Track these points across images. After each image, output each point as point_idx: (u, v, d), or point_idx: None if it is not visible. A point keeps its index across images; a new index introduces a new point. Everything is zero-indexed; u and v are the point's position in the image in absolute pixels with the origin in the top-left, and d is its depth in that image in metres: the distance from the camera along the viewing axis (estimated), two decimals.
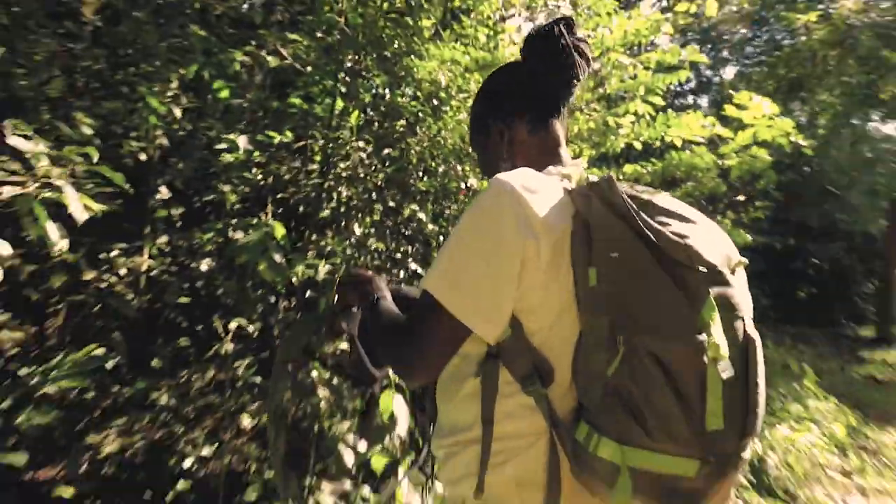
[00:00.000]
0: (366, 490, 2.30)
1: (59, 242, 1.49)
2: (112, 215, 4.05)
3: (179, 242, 3.84)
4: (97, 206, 1.58)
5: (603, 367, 0.99)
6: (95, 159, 1.59)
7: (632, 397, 0.96)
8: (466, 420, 1.13)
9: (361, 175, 3.23)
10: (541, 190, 1.09)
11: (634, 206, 1.01)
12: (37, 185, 1.43)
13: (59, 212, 1.65)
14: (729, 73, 17.11)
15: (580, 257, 1.04)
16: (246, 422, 3.12)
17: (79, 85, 4.05)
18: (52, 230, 1.47)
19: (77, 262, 3.63)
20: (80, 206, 1.44)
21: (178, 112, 3.79)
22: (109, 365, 2.69)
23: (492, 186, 1.09)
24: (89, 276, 3.78)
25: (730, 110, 3.81)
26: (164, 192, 3.77)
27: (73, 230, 3.95)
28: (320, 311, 1.58)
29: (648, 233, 0.98)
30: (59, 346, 3.41)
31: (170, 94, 3.84)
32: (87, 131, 3.62)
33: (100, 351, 2.62)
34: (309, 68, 3.61)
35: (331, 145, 3.10)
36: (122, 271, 3.76)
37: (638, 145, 5.07)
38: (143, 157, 3.98)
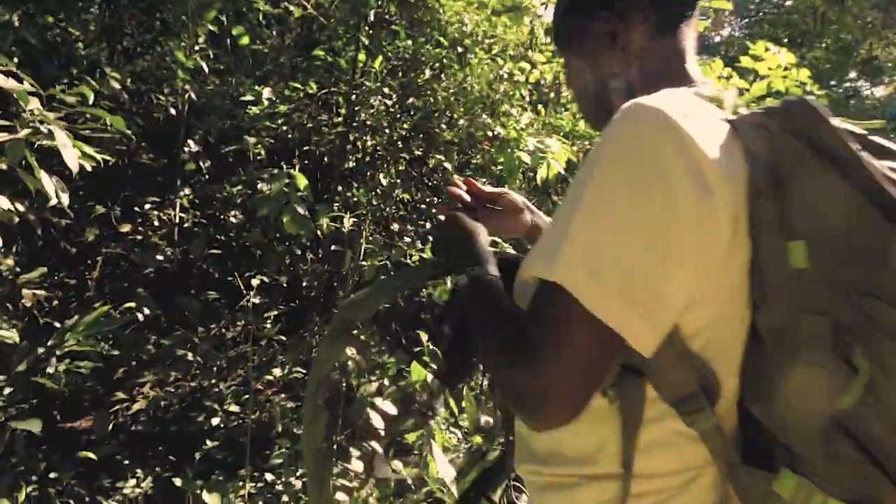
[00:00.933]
0: (395, 463, 2.29)
1: (55, 195, 1.45)
2: (145, 168, 4.13)
3: (208, 195, 3.88)
4: (98, 156, 1.53)
5: (827, 395, 0.67)
6: (91, 99, 1.55)
7: (879, 442, 0.64)
8: (588, 447, 0.81)
9: (386, 124, 3.18)
10: (703, 123, 0.73)
11: (856, 144, 0.66)
12: (27, 130, 1.38)
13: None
14: (726, 32, 16.59)
15: (769, 224, 0.70)
16: (277, 372, 3.18)
17: (118, 48, 4.08)
18: (47, 181, 1.44)
19: (111, 215, 3.72)
20: (73, 154, 1.38)
21: (205, 66, 3.79)
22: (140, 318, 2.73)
23: (638, 117, 0.72)
24: (125, 228, 3.87)
25: (745, 61, 3.62)
26: (192, 146, 3.80)
27: (107, 182, 4.05)
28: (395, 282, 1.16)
29: (889, 188, 0.63)
30: (98, 298, 3.51)
31: (197, 48, 3.84)
32: (115, 85, 3.65)
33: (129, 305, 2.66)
34: (332, 20, 3.55)
35: (355, 93, 3.05)
36: (156, 223, 3.84)
37: None
38: (172, 111, 4.02)
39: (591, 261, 0.67)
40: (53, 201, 1.48)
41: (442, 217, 1.10)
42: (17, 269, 3.13)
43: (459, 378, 1.10)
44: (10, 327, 2.59)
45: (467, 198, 1.18)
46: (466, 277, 0.89)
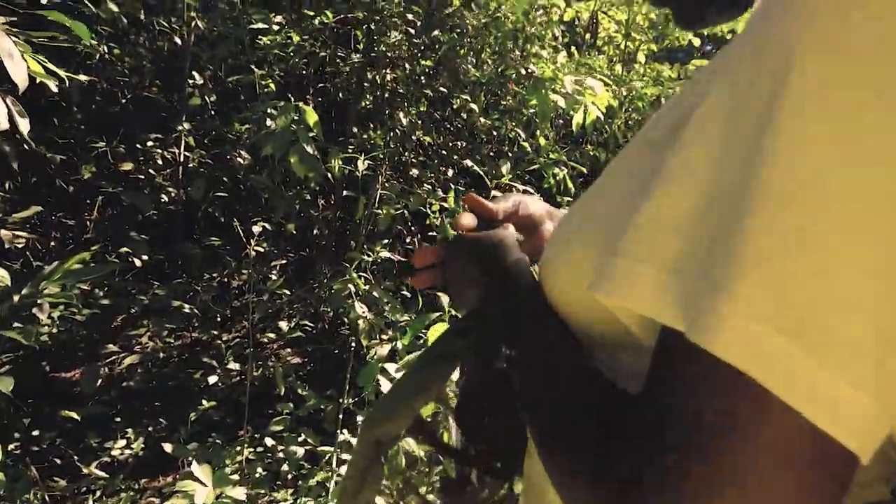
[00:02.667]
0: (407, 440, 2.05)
1: (3, 120, 1.18)
2: (148, 102, 3.86)
3: (215, 132, 3.61)
4: (62, 73, 1.25)
5: None
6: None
7: None
8: None
9: (407, 58, 2.86)
10: None
11: None
12: None
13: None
14: None
15: None
16: (283, 326, 2.96)
17: None
18: None
19: (110, 151, 3.47)
20: (21, 67, 1.12)
21: None
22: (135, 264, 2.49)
23: None
24: (127, 167, 3.62)
25: None
26: (197, 78, 3.51)
27: (108, 116, 3.80)
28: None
29: None
30: (98, 239, 3.30)
31: None
32: (113, 8, 3.35)
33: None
34: None
35: (374, 20, 2.73)
36: (159, 162, 3.58)
37: (697, 41, 4.50)
38: (177, 40, 3.72)
39: (799, 311, 0.30)
40: (4, 125, 1.21)
41: (447, 251, 0.73)
42: (7, 207, 2.91)
43: (510, 473, 0.68)
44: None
45: (472, 222, 0.80)
46: (513, 339, 0.55)
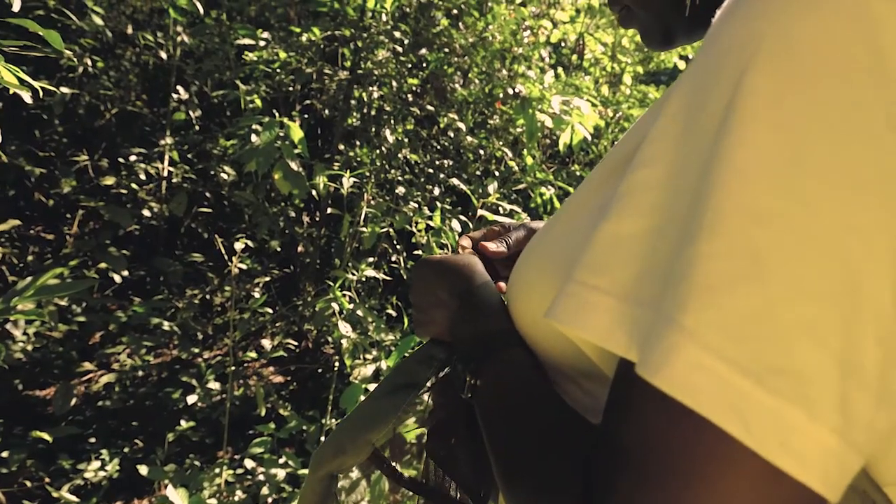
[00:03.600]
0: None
1: None
2: (132, 116, 3.82)
3: (199, 147, 3.58)
4: (35, 83, 1.21)
5: None
6: (17, 6, 1.22)
7: None
8: None
9: (394, 75, 2.85)
10: None
11: None
12: None
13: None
14: None
15: None
16: (266, 344, 2.92)
17: None
18: None
19: (90, 166, 3.42)
20: None
21: (200, 7, 3.46)
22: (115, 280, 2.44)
23: None
24: (109, 181, 3.57)
25: None
26: (182, 93, 3.48)
27: (91, 129, 3.75)
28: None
29: None
30: (77, 254, 3.24)
31: None
32: (98, 21, 3.32)
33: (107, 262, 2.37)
34: None
35: (363, 35, 2.72)
36: (142, 177, 3.53)
37: (682, 64, 4.56)
38: (163, 54, 3.70)
39: (752, 343, 0.28)
40: None
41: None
42: None
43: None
44: None
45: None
46: (479, 361, 0.51)
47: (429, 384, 0.63)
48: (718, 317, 0.28)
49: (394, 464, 0.63)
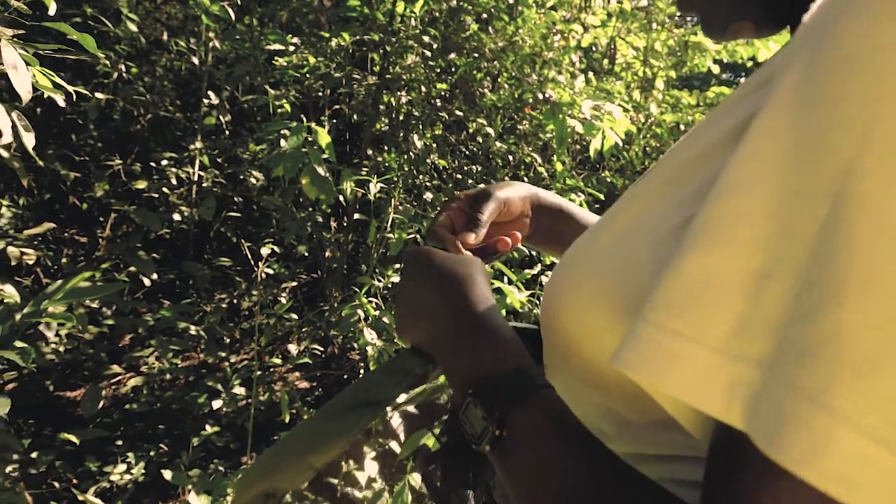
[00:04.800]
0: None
1: (7, 134, 1.14)
2: (163, 120, 3.87)
3: (229, 152, 3.60)
4: (70, 87, 1.21)
5: None
6: (52, 10, 1.22)
7: None
8: None
9: (423, 78, 2.83)
10: None
11: None
12: None
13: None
14: None
15: None
16: (292, 349, 2.91)
17: None
18: (0, 113, 1.13)
19: (123, 169, 3.47)
20: (25, 79, 1.08)
21: (231, 13, 3.49)
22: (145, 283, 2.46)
23: None
24: (140, 185, 3.62)
25: None
26: (213, 98, 3.51)
27: (125, 134, 3.80)
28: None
29: None
30: (108, 257, 3.28)
31: None
32: (132, 28, 3.37)
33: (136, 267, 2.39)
34: None
35: (392, 40, 2.71)
36: (173, 181, 3.57)
37: (716, 69, 4.46)
38: (195, 60, 3.74)
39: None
40: (7, 139, 1.18)
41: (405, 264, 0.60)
42: (19, 224, 2.90)
43: None
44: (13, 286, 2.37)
45: (451, 221, 0.68)
46: (505, 407, 0.42)
47: (396, 401, 0.54)
48: (882, 399, 0.24)
49: (342, 489, 0.55)
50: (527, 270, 2.26)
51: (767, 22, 0.48)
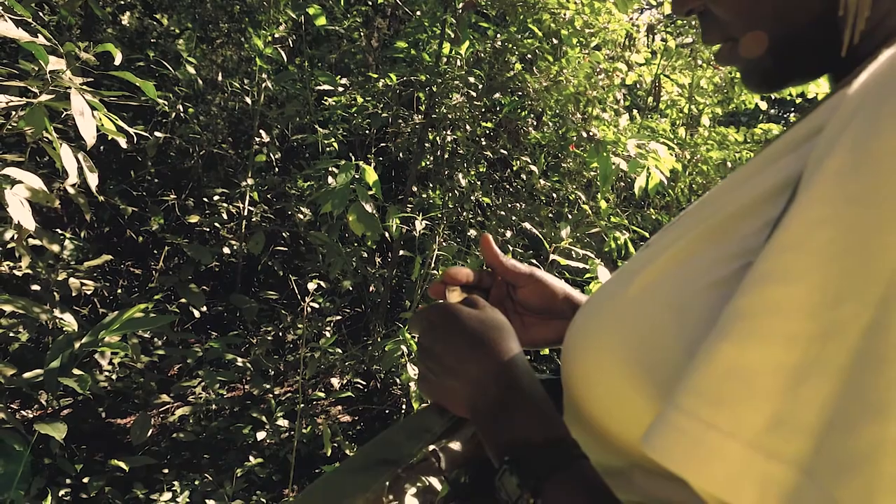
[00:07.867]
0: None
1: (78, 173, 1.21)
2: (216, 157, 4.01)
3: (278, 188, 3.71)
4: (130, 129, 1.28)
5: None
6: (118, 60, 1.31)
7: None
8: None
9: (468, 117, 2.89)
10: None
11: None
12: (48, 96, 1.15)
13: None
14: None
15: None
16: (335, 382, 2.94)
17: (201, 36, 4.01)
18: (68, 156, 1.20)
19: (176, 204, 3.60)
20: (90, 124, 1.14)
21: (283, 55, 3.64)
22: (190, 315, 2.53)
23: None
24: (193, 219, 3.74)
25: None
26: (264, 136, 3.64)
27: (180, 171, 3.96)
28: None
29: None
30: (160, 288, 3.39)
31: (277, 35, 3.68)
32: (191, 70, 3.53)
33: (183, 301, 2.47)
34: (417, 10, 3.31)
35: (438, 80, 2.78)
36: (224, 216, 3.69)
37: (764, 105, 4.40)
38: (248, 100, 3.89)
39: None
40: (73, 179, 1.25)
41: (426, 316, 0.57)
42: (80, 256, 3.03)
43: None
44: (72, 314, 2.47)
45: (467, 278, 0.69)
46: (541, 476, 0.42)
47: (413, 461, 0.53)
48: None
49: None
50: None
51: (805, 75, 0.47)
